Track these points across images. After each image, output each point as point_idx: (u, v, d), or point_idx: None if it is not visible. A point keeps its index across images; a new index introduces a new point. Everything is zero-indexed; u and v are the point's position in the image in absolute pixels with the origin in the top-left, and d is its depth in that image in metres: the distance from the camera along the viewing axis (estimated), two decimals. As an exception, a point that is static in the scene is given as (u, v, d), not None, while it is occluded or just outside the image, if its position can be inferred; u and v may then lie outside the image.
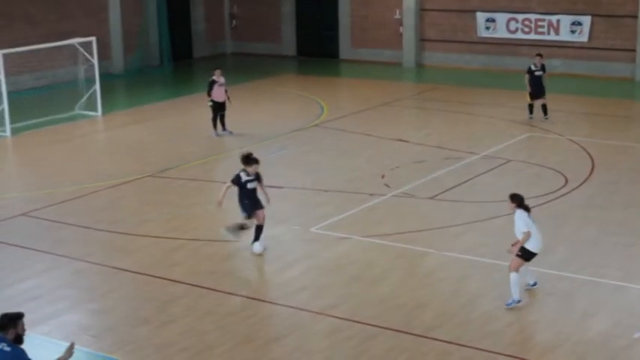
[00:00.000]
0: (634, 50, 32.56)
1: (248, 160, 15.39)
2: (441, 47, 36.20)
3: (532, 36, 34.42)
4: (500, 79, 32.85)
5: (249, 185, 15.38)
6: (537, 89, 25.44)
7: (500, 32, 35.07)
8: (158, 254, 15.73)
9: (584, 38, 33.62)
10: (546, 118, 25.31)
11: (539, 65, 25.53)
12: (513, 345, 12.40)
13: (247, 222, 15.44)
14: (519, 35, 34.75)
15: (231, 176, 15.53)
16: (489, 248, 15.48)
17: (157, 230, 16.92)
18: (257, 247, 15.59)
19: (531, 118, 25.51)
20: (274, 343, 12.46)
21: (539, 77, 25.45)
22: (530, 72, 25.50)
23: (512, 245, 13.46)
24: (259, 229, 15.58)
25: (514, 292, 13.27)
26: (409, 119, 27.70)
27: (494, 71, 34.38)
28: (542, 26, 34.27)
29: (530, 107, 25.61)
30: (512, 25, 34.81)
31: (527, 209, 13.30)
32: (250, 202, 15.47)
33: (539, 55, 26.08)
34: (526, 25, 34.57)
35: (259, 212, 15.49)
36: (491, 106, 28.02)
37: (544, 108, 25.45)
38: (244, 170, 15.38)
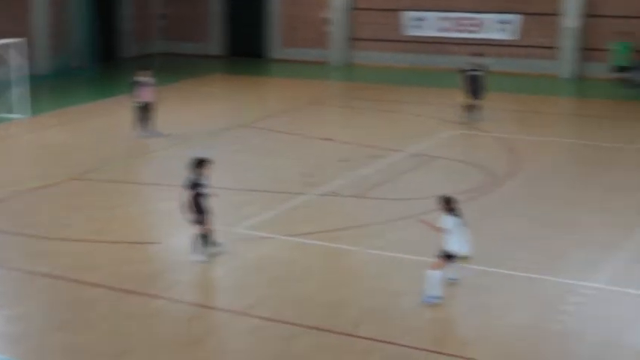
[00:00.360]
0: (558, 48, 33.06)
1: (202, 163, 14.77)
2: (371, 46, 36.35)
3: (462, 34, 34.71)
4: (429, 78, 33.08)
5: (204, 190, 14.76)
6: (475, 89, 25.12)
7: (430, 31, 35.32)
8: (78, 258, 15.42)
9: (513, 36, 34.02)
10: (476, 119, 25.22)
11: (477, 65, 25.37)
12: (435, 340, 12.42)
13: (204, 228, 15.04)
14: (449, 34, 35.03)
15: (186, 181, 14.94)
16: (413, 245, 15.49)
17: (78, 233, 16.61)
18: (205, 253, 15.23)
19: (466, 117, 25.26)
20: (196, 345, 12.29)
21: (477, 77, 25.18)
22: (465, 71, 25.37)
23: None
24: (204, 237, 15.19)
25: (430, 289, 13.30)
26: (336, 118, 27.71)
27: (423, 69, 34.60)
28: (472, 24, 34.59)
29: (466, 107, 25.26)
30: (442, 24, 35.07)
31: (456, 214, 13.27)
32: (202, 209, 14.86)
33: (477, 54, 25.99)
34: (456, 24, 34.84)
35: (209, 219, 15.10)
36: (419, 104, 28.18)
37: (476, 108, 25.22)
38: (198, 175, 14.74)
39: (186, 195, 14.84)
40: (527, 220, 17.16)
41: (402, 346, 12.10)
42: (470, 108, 25.24)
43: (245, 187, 19.32)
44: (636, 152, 22.31)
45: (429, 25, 35.20)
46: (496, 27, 34.28)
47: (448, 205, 13.26)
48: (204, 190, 14.83)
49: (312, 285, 14.20)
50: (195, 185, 14.78)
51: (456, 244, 13.22)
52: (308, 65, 36.30)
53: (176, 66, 36.85)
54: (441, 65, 34.22)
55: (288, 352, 11.97)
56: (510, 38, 34.05)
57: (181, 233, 15.57)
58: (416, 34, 35.49)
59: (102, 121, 26.54)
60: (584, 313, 13.14)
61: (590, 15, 32.85)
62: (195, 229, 14.97)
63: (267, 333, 12.52)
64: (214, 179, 15.01)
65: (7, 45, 27.31)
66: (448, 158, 21.65)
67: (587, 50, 33.02)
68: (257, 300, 13.62)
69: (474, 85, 25.14)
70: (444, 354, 11.87)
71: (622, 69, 31.81)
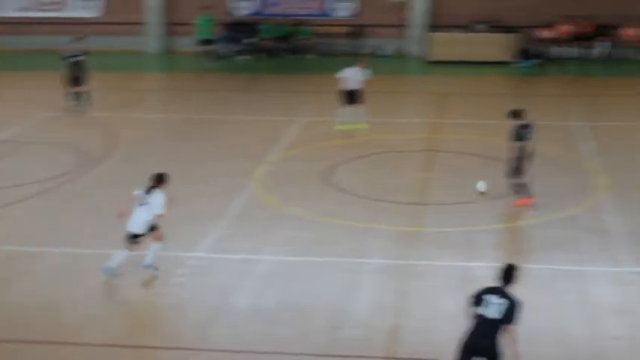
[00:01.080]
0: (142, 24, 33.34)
1: None
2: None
3: (44, 13, 33.84)
4: (14, 60, 31.90)
5: None
6: (78, 75, 23.79)
7: (9, 10, 34.00)
8: None
9: (97, 13, 33.75)
10: (84, 105, 24.06)
11: (77, 50, 24.13)
12: (76, 333, 11.90)
13: None
14: (30, 13, 33.98)
15: None
16: (20, 236, 14.91)
17: None
18: None
19: (72, 104, 24.03)
20: None
21: (79, 62, 23.93)
22: (67, 58, 23.98)
23: None
24: None
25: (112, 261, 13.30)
26: None
27: (5, 52, 33.17)
28: (54, 3, 33.83)
29: (71, 94, 23.94)
30: (22, 3, 33.96)
31: (148, 191, 13.53)
32: None
33: (78, 38, 24.88)
34: (36, 3, 33.92)
35: None
36: (4, 88, 27.10)
37: (81, 94, 23.97)
38: None
39: None
40: (127, 197, 17.05)
41: (32, 342, 11.60)
42: (75, 95, 24.22)
43: None
44: (223, 122, 23.08)
45: (8, 4, 33.85)
46: (79, 5, 33.78)
47: (161, 181, 13.59)
48: None
49: None
50: None
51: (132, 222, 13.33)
52: None
53: None
54: (25, 47, 33.07)
55: None
56: (94, 16, 33.72)
57: None
58: (-5, 14, 34.01)
59: None
60: (192, 282, 13.44)
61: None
62: None
63: None
64: None
65: None
66: (40, 143, 20.99)
67: (173, 25, 33.55)
68: None
69: (77, 71, 23.98)
70: (81, 344, 11.59)
71: (206, 42, 32.69)
